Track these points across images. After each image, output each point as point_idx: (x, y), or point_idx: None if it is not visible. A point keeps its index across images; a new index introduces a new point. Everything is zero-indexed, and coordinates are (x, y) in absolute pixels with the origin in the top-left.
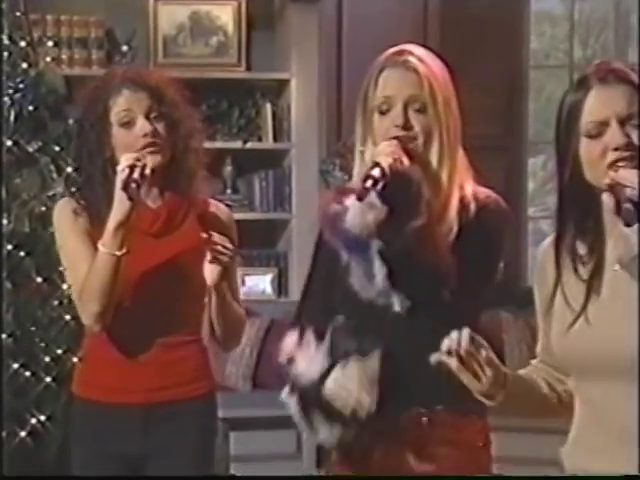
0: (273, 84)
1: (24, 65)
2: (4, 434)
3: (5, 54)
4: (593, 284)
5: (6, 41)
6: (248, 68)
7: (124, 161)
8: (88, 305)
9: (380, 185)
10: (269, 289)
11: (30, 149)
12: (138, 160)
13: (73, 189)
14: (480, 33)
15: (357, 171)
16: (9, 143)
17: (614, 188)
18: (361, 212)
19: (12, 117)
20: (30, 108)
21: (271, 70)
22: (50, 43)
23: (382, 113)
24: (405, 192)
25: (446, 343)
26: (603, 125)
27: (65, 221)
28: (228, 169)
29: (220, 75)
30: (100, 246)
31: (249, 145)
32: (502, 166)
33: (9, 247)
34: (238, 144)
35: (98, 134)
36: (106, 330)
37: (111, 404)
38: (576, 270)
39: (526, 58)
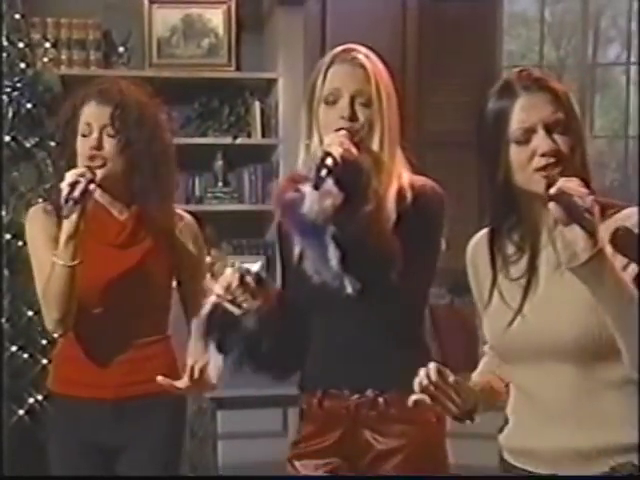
0: (261, 83)
1: (22, 65)
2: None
3: (4, 55)
4: (530, 283)
5: (5, 42)
6: (238, 68)
7: (68, 177)
8: (49, 312)
9: (334, 173)
10: None
11: (27, 144)
12: (82, 176)
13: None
14: (456, 34)
15: (302, 161)
16: (7, 139)
17: (560, 197)
18: (318, 199)
19: (10, 114)
20: (28, 106)
21: (259, 70)
22: (48, 44)
23: (328, 104)
24: (357, 179)
25: (417, 382)
26: (530, 132)
27: (34, 228)
28: (219, 163)
29: (211, 75)
30: (54, 258)
31: (239, 141)
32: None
33: (7, 236)
34: (228, 140)
35: (63, 141)
36: (75, 336)
37: (84, 398)
38: (507, 270)
39: (499, 58)
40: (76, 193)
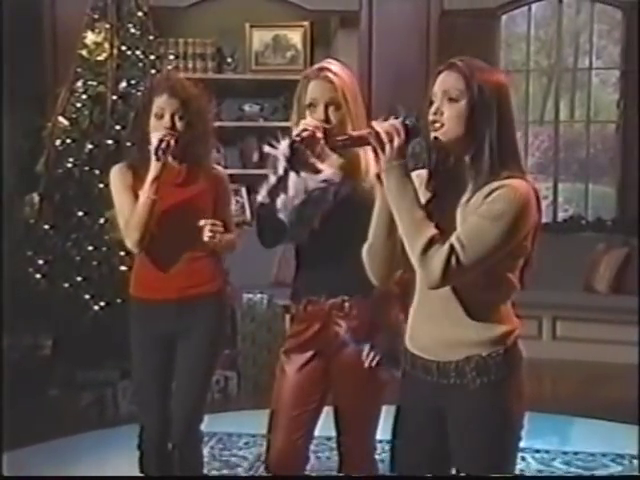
0: None
1: (152, 71)
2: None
3: (140, 65)
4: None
5: (141, 55)
6: None
7: (155, 135)
8: (131, 234)
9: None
10: None
11: None
12: (165, 136)
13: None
14: (466, 45)
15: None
16: None
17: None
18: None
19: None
20: None
21: None
22: (172, 57)
23: (309, 107)
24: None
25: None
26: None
27: (116, 180)
28: None
29: (293, 77)
30: (141, 193)
31: None
32: None
33: None
34: None
35: (141, 118)
36: (146, 251)
37: (154, 299)
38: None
39: (498, 64)
40: (163, 145)
